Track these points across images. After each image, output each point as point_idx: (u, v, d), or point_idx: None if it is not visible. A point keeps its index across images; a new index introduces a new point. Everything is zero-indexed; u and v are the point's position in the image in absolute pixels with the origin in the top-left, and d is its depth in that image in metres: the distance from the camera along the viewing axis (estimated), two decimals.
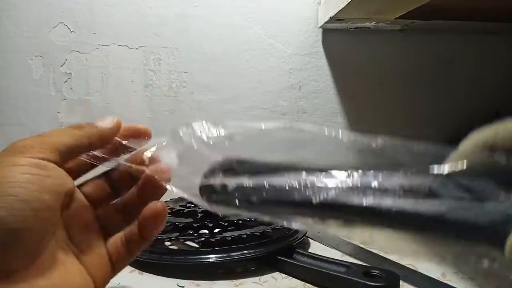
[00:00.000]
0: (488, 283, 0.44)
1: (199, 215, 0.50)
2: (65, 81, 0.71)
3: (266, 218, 0.24)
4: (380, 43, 0.69)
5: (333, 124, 0.71)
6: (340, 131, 0.22)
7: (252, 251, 0.45)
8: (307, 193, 0.20)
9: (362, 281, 0.39)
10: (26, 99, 0.71)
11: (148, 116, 0.72)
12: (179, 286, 0.42)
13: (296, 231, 0.52)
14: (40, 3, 0.69)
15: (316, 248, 0.54)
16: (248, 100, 0.71)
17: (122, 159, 0.28)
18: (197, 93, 0.71)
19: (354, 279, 0.40)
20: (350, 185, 0.20)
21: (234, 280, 0.44)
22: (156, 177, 0.27)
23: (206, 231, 0.47)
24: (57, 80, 0.71)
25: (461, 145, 0.21)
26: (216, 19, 0.70)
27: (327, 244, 0.55)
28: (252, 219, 0.50)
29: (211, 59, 0.71)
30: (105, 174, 0.30)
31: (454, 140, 0.21)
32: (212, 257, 0.44)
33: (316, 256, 0.46)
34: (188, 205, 0.53)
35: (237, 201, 0.23)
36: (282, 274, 0.45)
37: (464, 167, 0.19)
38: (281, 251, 0.46)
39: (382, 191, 0.19)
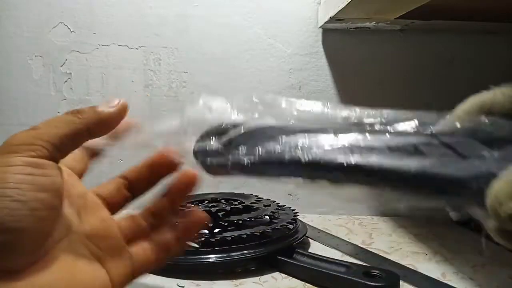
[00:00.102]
0: (488, 283, 0.44)
1: None
2: (65, 81, 0.71)
3: (260, 178, 0.24)
4: (380, 43, 0.69)
5: None
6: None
7: (252, 251, 0.45)
8: (297, 153, 0.21)
9: (362, 281, 0.39)
10: (26, 99, 0.71)
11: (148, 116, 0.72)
12: (179, 286, 0.42)
13: (296, 231, 0.52)
14: (40, 3, 0.69)
15: (316, 248, 0.54)
16: None
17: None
18: (197, 93, 0.71)
19: (354, 279, 0.40)
20: (338, 144, 0.20)
21: (234, 280, 0.44)
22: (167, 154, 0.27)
23: (206, 231, 0.47)
24: (57, 80, 0.71)
25: (457, 108, 0.22)
26: (216, 19, 0.70)
27: (327, 244, 0.55)
28: (252, 219, 0.50)
29: (211, 59, 0.71)
30: (123, 177, 0.30)
31: None
32: (212, 257, 0.44)
33: (316, 256, 0.46)
34: (188, 205, 0.53)
35: (230, 163, 0.23)
36: (282, 274, 0.45)
37: (453, 128, 0.20)
38: (281, 251, 0.46)
39: (368, 149, 0.19)
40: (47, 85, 0.71)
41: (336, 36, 0.70)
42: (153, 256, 0.27)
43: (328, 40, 0.70)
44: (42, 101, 0.71)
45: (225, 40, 0.70)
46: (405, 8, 0.54)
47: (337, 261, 0.45)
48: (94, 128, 0.24)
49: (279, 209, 0.57)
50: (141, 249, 0.26)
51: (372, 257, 0.50)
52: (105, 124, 0.25)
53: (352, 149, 0.20)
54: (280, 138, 0.22)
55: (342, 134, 0.21)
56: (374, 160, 0.19)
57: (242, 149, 0.23)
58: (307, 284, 0.43)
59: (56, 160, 0.23)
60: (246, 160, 0.22)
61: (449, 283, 0.43)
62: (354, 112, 0.23)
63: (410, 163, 0.18)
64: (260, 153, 0.22)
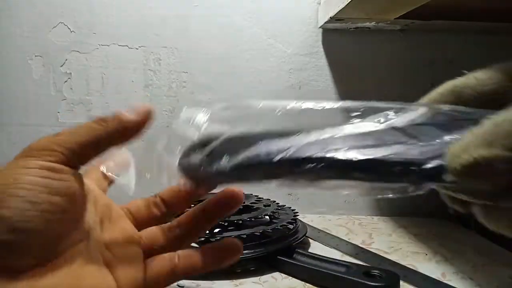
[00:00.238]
0: (488, 283, 0.44)
1: None
2: (65, 81, 0.71)
3: (245, 184, 0.25)
4: (380, 43, 0.69)
5: None
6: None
7: (252, 251, 0.45)
8: (275, 155, 0.22)
9: (362, 281, 0.39)
10: (26, 99, 0.71)
11: None
12: (179, 286, 0.42)
13: (296, 231, 0.52)
14: (40, 3, 0.69)
15: (316, 248, 0.54)
16: None
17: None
18: (197, 93, 0.71)
19: (354, 279, 0.40)
20: (313, 142, 0.21)
21: (234, 280, 0.44)
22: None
23: (206, 231, 0.47)
24: (57, 80, 0.71)
25: (432, 91, 0.23)
26: (216, 19, 0.70)
27: (327, 244, 0.55)
28: (252, 219, 0.50)
29: (211, 59, 0.71)
30: (157, 196, 0.30)
31: None
32: None
33: (316, 256, 0.46)
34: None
35: (213, 173, 0.23)
36: (282, 274, 0.45)
37: (418, 115, 0.21)
38: (281, 251, 0.46)
39: (341, 144, 0.21)
40: (47, 85, 0.71)
41: (336, 36, 0.70)
42: (171, 272, 0.26)
43: (328, 40, 0.70)
44: (42, 101, 0.71)
45: (225, 40, 0.70)
46: (405, 8, 0.54)
47: (337, 261, 0.45)
48: (116, 135, 0.24)
49: (279, 209, 0.57)
50: (160, 264, 0.26)
51: (372, 257, 0.50)
52: (128, 132, 0.24)
53: (327, 146, 0.21)
54: (259, 142, 0.23)
55: (316, 132, 0.22)
56: (348, 155, 0.20)
57: (225, 158, 0.23)
58: (307, 284, 0.43)
59: (75, 166, 0.23)
60: (228, 167, 0.23)
61: (449, 283, 0.43)
62: (329, 105, 0.24)
63: (376, 153, 0.19)
64: (242, 159, 0.23)
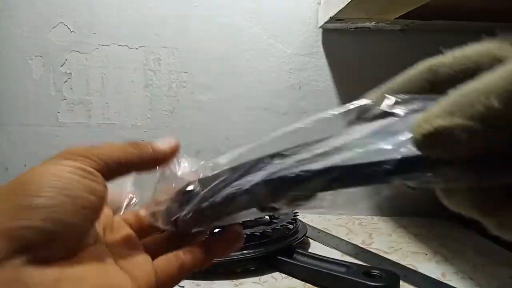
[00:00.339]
0: (488, 283, 0.44)
1: None
2: (65, 81, 0.71)
3: (224, 223, 0.27)
4: (380, 43, 0.69)
5: None
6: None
7: (252, 251, 0.45)
8: (244, 186, 0.23)
9: (362, 281, 0.39)
10: (26, 99, 0.71)
11: (148, 116, 0.72)
12: (179, 286, 0.42)
13: (296, 231, 0.52)
14: (40, 3, 0.70)
15: (316, 248, 0.54)
16: (248, 100, 0.71)
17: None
18: (197, 93, 0.71)
19: (354, 279, 0.40)
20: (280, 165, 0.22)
21: (234, 280, 0.44)
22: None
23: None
24: (57, 80, 0.71)
25: (407, 70, 0.23)
26: (216, 19, 0.70)
27: (327, 244, 0.55)
28: (252, 219, 0.50)
29: (211, 59, 0.71)
30: None
31: None
32: None
33: (316, 256, 0.46)
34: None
35: (193, 216, 0.25)
36: (282, 274, 0.45)
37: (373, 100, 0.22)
38: (281, 251, 0.46)
39: (308, 160, 0.21)
40: (47, 85, 0.71)
41: (336, 36, 0.70)
42: (180, 268, 0.27)
43: (328, 40, 0.70)
44: (42, 101, 0.71)
45: (225, 40, 0.70)
46: (405, 8, 0.54)
47: (337, 261, 0.45)
48: (147, 160, 0.26)
49: None
50: (168, 263, 0.26)
51: (372, 257, 0.50)
52: (157, 160, 0.26)
53: (296, 164, 0.21)
54: (232, 178, 0.24)
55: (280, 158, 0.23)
56: (314, 167, 0.20)
57: (202, 201, 0.25)
58: (307, 284, 0.43)
59: (105, 178, 0.24)
60: (206, 206, 0.25)
61: (449, 283, 0.43)
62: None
63: (340, 161, 0.20)
64: (217, 199, 0.24)
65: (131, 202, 0.30)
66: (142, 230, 0.29)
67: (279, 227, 0.50)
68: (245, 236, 0.46)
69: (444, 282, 0.43)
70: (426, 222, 0.66)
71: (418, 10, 0.52)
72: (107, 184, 0.24)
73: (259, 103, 0.71)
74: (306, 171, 0.20)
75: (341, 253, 0.52)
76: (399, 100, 0.21)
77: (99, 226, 0.26)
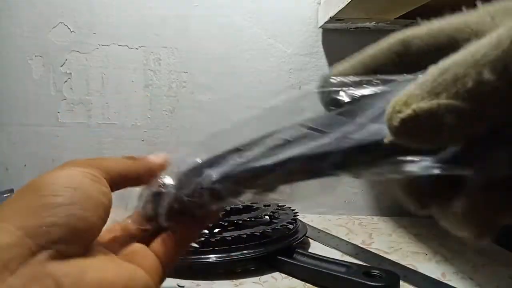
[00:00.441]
0: (488, 283, 0.44)
1: None
2: (65, 81, 0.71)
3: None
4: None
5: None
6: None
7: (252, 251, 0.45)
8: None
9: (362, 281, 0.39)
10: (26, 99, 0.71)
11: (148, 116, 0.72)
12: (179, 286, 0.42)
13: (296, 231, 0.52)
14: (40, 3, 0.69)
15: (316, 248, 0.54)
16: (248, 100, 0.71)
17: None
18: (197, 93, 0.71)
19: (354, 279, 0.40)
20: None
21: (234, 280, 0.44)
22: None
23: (206, 231, 0.47)
24: (57, 80, 0.71)
25: (382, 40, 0.21)
26: (216, 19, 0.70)
27: (327, 244, 0.55)
28: (252, 219, 0.50)
29: (211, 59, 0.71)
30: None
31: None
32: (212, 257, 0.44)
33: (316, 256, 0.46)
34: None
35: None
36: (282, 274, 0.45)
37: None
38: (281, 251, 0.46)
39: (260, 155, 0.21)
40: (47, 85, 0.71)
41: (336, 36, 0.70)
42: (176, 243, 0.27)
43: (328, 40, 0.70)
44: (42, 101, 0.71)
45: (225, 40, 0.70)
46: (405, 8, 0.54)
47: (337, 261, 0.45)
48: (143, 174, 0.27)
49: (279, 209, 0.57)
50: (164, 243, 0.27)
51: (372, 257, 0.50)
52: (151, 173, 0.28)
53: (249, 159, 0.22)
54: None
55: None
56: (265, 162, 0.20)
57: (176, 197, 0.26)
58: (307, 284, 0.43)
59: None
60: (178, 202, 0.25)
61: (449, 283, 0.43)
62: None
63: (289, 154, 0.20)
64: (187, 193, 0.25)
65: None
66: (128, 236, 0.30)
67: (279, 227, 0.49)
68: (245, 236, 0.46)
69: (444, 282, 0.43)
70: (426, 222, 0.66)
71: (418, 10, 0.52)
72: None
73: (259, 103, 0.71)
74: (262, 167, 0.20)
75: (341, 253, 0.52)
76: (349, 82, 0.20)
77: None
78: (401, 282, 0.41)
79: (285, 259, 0.45)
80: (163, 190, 0.27)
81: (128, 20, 0.70)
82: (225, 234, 0.46)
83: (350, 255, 0.51)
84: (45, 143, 0.72)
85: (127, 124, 0.72)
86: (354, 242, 0.55)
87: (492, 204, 0.15)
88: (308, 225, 0.59)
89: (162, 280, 0.26)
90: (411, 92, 0.14)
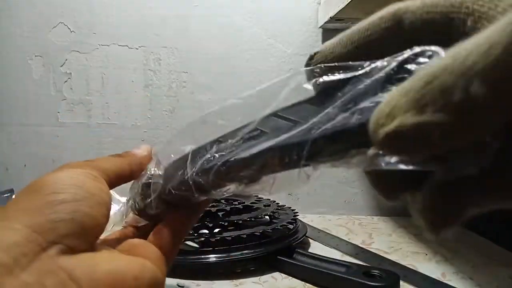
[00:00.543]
0: (488, 283, 0.44)
1: None
2: (65, 81, 0.71)
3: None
4: None
5: None
6: None
7: (252, 251, 0.45)
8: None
9: (362, 281, 0.39)
10: (26, 99, 0.71)
11: (148, 116, 0.72)
12: (179, 286, 0.42)
13: (296, 231, 0.52)
14: (40, 3, 0.70)
15: (316, 248, 0.54)
16: None
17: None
18: (197, 93, 0.71)
19: (354, 279, 0.40)
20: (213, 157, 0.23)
21: (234, 280, 0.44)
22: None
23: (206, 231, 0.47)
24: (57, 80, 0.71)
25: (374, 13, 0.20)
26: (216, 19, 0.70)
27: (327, 244, 0.55)
28: (252, 219, 0.50)
29: (211, 59, 0.71)
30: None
31: None
32: (212, 257, 0.44)
33: (316, 256, 0.46)
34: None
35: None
36: (282, 274, 0.45)
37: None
38: (281, 251, 0.46)
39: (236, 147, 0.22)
40: (47, 85, 0.71)
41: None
42: (176, 231, 0.28)
43: (328, 40, 0.70)
44: (42, 101, 0.71)
45: (225, 40, 0.70)
46: None
47: (337, 261, 0.45)
48: (135, 168, 0.28)
49: (279, 209, 0.57)
50: (162, 232, 0.27)
51: (372, 257, 0.50)
52: (143, 165, 0.28)
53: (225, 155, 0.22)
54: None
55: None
56: (241, 155, 0.21)
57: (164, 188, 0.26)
58: (307, 284, 0.43)
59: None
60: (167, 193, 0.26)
61: (449, 283, 0.43)
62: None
63: (253, 148, 0.20)
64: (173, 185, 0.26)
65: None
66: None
67: (279, 227, 0.50)
68: (245, 236, 0.46)
69: (444, 282, 0.43)
70: None
71: None
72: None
73: None
74: (236, 160, 0.21)
75: (341, 253, 0.52)
76: (321, 69, 0.20)
77: None
78: (401, 282, 0.41)
79: (285, 259, 0.45)
80: (151, 181, 0.27)
81: (128, 20, 0.70)
82: (225, 234, 0.46)
83: (350, 255, 0.51)
84: (45, 143, 0.72)
85: (127, 124, 0.72)
86: (354, 242, 0.55)
87: (447, 198, 0.15)
88: (308, 225, 0.59)
89: (166, 271, 0.26)
90: (395, 102, 0.13)
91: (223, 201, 0.58)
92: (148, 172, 0.27)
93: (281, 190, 0.22)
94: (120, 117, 0.72)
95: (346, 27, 0.21)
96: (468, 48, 0.12)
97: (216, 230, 0.47)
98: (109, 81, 0.71)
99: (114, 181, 0.26)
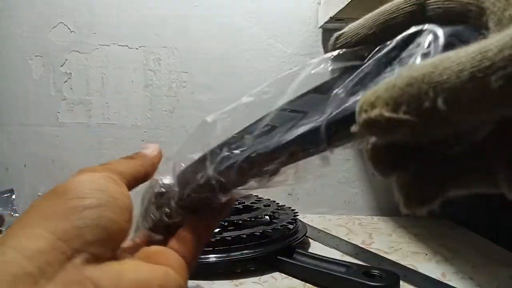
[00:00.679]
0: (488, 283, 0.44)
1: None
2: (65, 81, 0.71)
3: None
4: None
5: None
6: None
7: (252, 251, 0.45)
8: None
9: (362, 281, 0.39)
10: (26, 99, 0.71)
11: (148, 116, 0.72)
12: None
13: (296, 231, 0.52)
14: (40, 3, 0.69)
15: (316, 248, 0.54)
16: None
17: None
18: (197, 93, 0.71)
19: (354, 279, 0.40)
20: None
21: (234, 280, 0.44)
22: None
23: None
24: (57, 80, 0.71)
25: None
26: (216, 19, 0.70)
27: (327, 244, 0.55)
28: (252, 219, 0.50)
29: (211, 59, 0.71)
30: None
31: None
32: (212, 257, 0.44)
33: (316, 256, 0.46)
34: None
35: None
36: (282, 274, 0.45)
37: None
38: (281, 251, 0.46)
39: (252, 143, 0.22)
40: (47, 85, 0.71)
41: None
42: (196, 237, 0.27)
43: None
44: (42, 101, 0.71)
45: (225, 40, 0.70)
46: None
47: (337, 261, 0.45)
48: (149, 169, 0.27)
49: (279, 209, 0.57)
50: (182, 239, 0.27)
51: (372, 257, 0.50)
52: (155, 165, 0.28)
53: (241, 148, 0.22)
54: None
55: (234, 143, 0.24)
56: (255, 149, 0.21)
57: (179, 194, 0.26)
58: (307, 284, 0.43)
59: None
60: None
61: (449, 283, 0.43)
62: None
63: (270, 142, 0.21)
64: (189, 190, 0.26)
65: None
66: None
67: (279, 227, 0.49)
68: (245, 236, 0.46)
69: (444, 282, 0.43)
70: (426, 222, 0.66)
71: None
72: None
73: None
74: (258, 154, 0.21)
75: (341, 253, 0.52)
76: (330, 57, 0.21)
77: None
78: (401, 282, 0.41)
79: (285, 259, 0.45)
80: (163, 190, 0.26)
81: (128, 20, 0.70)
82: (225, 234, 0.46)
83: (350, 255, 0.51)
84: (45, 143, 0.72)
85: (127, 124, 0.72)
86: (354, 242, 0.55)
87: (426, 178, 0.16)
88: (308, 225, 0.59)
89: (188, 278, 0.26)
90: (379, 94, 0.14)
91: None
92: (160, 181, 0.27)
93: (301, 179, 0.22)
94: (120, 117, 0.72)
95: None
96: (452, 59, 0.13)
97: (216, 230, 0.47)
98: (109, 81, 0.71)
99: (132, 183, 0.25)
